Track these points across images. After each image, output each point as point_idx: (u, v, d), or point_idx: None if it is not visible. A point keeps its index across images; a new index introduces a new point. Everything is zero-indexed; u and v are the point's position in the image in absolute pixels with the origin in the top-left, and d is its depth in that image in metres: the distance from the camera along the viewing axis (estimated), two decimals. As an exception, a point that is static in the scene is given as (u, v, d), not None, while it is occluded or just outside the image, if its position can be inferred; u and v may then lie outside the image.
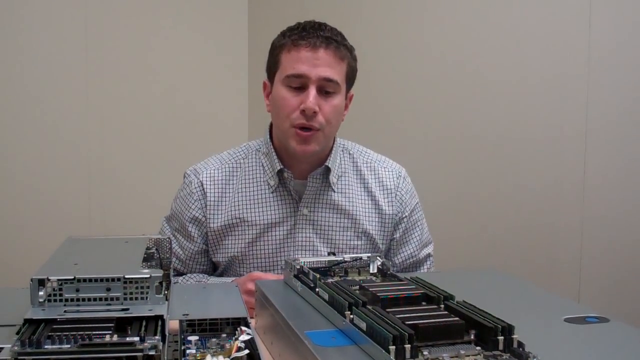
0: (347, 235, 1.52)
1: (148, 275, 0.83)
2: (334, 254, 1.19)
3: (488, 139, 2.38)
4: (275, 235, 1.50)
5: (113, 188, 2.76)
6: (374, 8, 2.68)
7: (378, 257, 1.14)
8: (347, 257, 1.15)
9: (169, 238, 1.10)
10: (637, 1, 2.08)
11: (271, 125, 1.55)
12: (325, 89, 1.43)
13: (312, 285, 1.00)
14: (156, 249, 1.05)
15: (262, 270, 1.50)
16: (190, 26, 2.94)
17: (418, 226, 1.60)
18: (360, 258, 1.15)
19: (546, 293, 1.08)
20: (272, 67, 1.49)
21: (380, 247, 1.55)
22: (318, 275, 1.00)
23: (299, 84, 1.42)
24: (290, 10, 2.74)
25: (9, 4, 2.53)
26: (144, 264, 0.93)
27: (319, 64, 1.41)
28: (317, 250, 1.50)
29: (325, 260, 1.14)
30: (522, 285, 1.15)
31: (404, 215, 1.57)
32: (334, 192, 1.52)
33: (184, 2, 2.94)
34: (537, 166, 2.28)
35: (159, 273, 0.84)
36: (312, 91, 1.41)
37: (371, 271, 1.12)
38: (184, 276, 1.55)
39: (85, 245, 1.07)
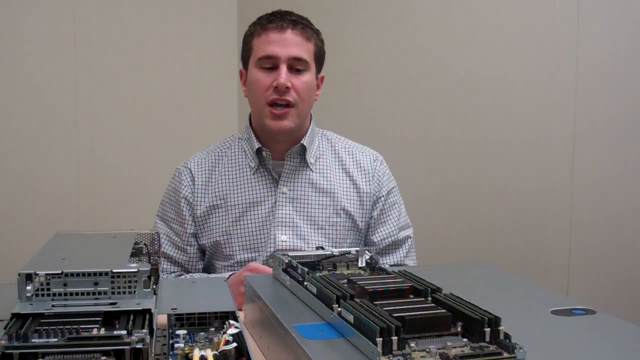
0: (326, 212, 1.57)
1: (136, 270, 0.83)
2: (322, 248, 1.20)
3: (478, 139, 2.39)
4: (257, 214, 1.55)
5: (102, 183, 2.76)
6: (362, 5, 2.67)
7: (367, 252, 1.14)
8: (335, 251, 1.15)
9: (157, 233, 1.10)
10: (625, 6, 2.09)
11: (251, 114, 1.63)
12: (295, 67, 1.52)
13: (301, 279, 1.00)
14: (144, 244, 1.05)
15: (246, 249, 1.54)
16: (179, 23, 2.93)
17: (395, 208, 1.64)
18: (349, 252, 1.15)
19: (533, 285, 1.09)
20: (246, 54, 1.58)
21: (360, 224, 1.60)
22: (306, 269, 1.00)
23: (271, 64, 1.51)
24: (279, 6, 2.73)
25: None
26: (131, 258, 0.93)
27: (287, 44, 1.50)
28: (297, 226, 1.55)
29: (313, 255, 1.14)
30: (509, 278, 1.16)
31: (381, 195, 1.62)
32: (312, 171, 1.59)
33: (173, 0, 2.93)
34: (526, 166, 2.30)
35: (146, 267, 0.84)
36: (284, 69, 1.50)
37: (359, 265, 1.13)
38: (184, 276, 1.59)
39: (73, 240, 1.07)
